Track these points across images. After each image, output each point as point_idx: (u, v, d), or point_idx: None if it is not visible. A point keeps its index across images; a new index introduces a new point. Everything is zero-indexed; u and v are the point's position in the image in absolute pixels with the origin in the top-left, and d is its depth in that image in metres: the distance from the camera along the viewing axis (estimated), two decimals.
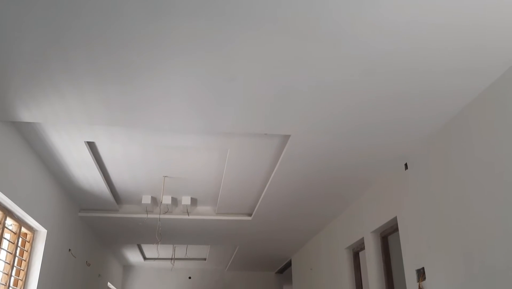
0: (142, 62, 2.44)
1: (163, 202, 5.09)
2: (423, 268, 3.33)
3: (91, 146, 3.84)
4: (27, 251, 4.16)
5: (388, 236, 4.29)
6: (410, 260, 3.55)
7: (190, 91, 2.75)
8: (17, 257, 3.96)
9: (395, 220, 3.90)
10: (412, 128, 3.22)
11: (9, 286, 3.78)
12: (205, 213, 5.56)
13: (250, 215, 5.56)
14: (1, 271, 3.69)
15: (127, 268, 9.27)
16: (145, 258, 8.73)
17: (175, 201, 5.27)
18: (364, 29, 2.19)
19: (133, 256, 8.41)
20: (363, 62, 2.46)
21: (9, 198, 3.46)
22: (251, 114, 3.03)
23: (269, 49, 2.34)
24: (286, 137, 3.48)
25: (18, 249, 3.98)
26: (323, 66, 2.49)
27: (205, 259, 8.86)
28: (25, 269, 4.10)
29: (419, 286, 3.31)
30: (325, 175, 4.12)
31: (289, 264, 8.31)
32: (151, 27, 2.15)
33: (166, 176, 4.58)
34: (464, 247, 2.84)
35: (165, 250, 7.94)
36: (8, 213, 3.67)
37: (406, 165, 3.68)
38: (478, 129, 2.77)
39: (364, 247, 4.64)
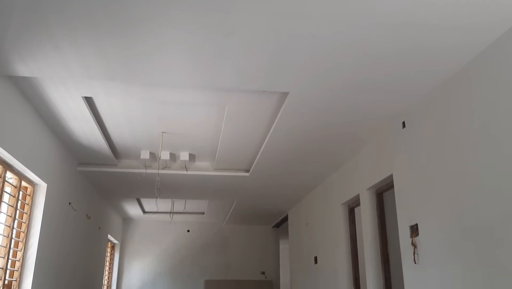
0: (139, 15, 2.38)
1: (161, 158, 5.12)
2: (416, 224, 3.41)
3: (89, 101, 3.81)
4: (28, 204, 4.22)
5: (383, 193, 4.37)
6: (404, 216, 3.63)
7: (188, 46, 2.70)
8: (19, 210, 4.03)
9: (391, 177, 3.95)
10: (411, 86, 3.20)
11: (11, 238, 3.88)
12: (203, 168, 5.61)
13: (247, 171, 5.62)
14: (3, 224, 3.76)
15: (127, 221, 9.47)
16: (144, 212, 8.91)
17: (173, 157, 5.31)
18: None
19: (132, 209, 8.57)
20: (363, 19, 2.41)
21: (8, 152, 3.47)
22: (250, 71, 3.00)
23: (269, 3, 2.28)
24: (285, 94, 3.46)
25: (19, 202, 4.04)
26: (323, 21, 2.45)
27: (203, 213, 9.05)
28: (27, 222, 4.19)
29: (412, 242, 3.41)
30: (323, 132, 4.14)
31: (285, 219, 8.50)
32: None
33: (165, 132, 4.59)
34: (458, 204, 2.90)
35: (164, 204, 8.09)
36: (8, 167, 3.70)
37: (403, 123, 3.69)
38: (477, 88, 2.76)
39: (359, 203, 4.73)
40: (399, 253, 3.70)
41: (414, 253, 3.37)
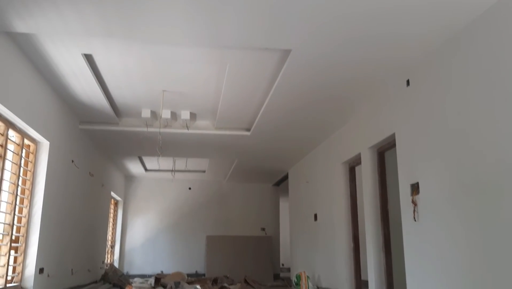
0: None
1: (162, 116, 5.11)
2: (417, 183, 3.45)
3: (89, 58, 3.75)
4: (31, 162, 4.25)
5: (384, 152, 4.39)
6: (405, 174, 3.66)
7: (188, 1, 2.62)
8: (22, 167, 4.06)
9: (393, 136, 3.95)
10: (415, 43, 3.15)
11: (16, 194, 3.93)
12: (204, 127, 5.61)
13: (248, 130, 5.62)
14: (8, 181, 3.80)
15: (129, 178, 9.58)
16: (146, 170, 8.99)
17: (174, 115, 5.29)
18: None
19: (134, 167, 8.64)
20: None
21: (10, 110, 3.46)
22: (251, 28, 2.94)
23: None
24: (287, 51, 3.40)
25: (23, 160, 4.07)
26: None
27: (204, 171, 9.13)
28: (31, 179, 4.23)
29: (412, 200, 3.46)
30: (325, 90, 4.10)
31: (285, 177, 8.59)
32: None
33: (165, 90, 4.55)
34: (458, 162, 2.92)
35: (165, 162, 8.14)
36: (10, 125, 3.69)
37: (408, 81, 3.65)
38: (482, 46, 2.70)
39: (360, 162, 4.76)
40: (398, 211, 3.77)
41: (414, 211, 3.43)
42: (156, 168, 8.68)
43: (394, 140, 3.93)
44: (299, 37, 3.09)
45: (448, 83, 3.08)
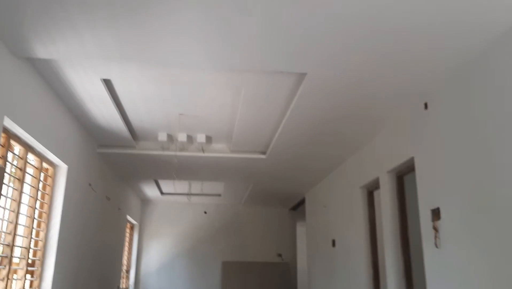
0: None
1: (178, 140, 5.13)
2: (438, 208, 3.35)
3: (107, 83, 3.81)
4: (49, 186, 4.29)
5: (403, 176, 4.30)
6: (425, 199, 3.57)
7: (203, 24, 2.66)
8: (40, 191, 4.09)
9: (412, 160, 3.88)
10: (433, 65, 3.10)
11: (34, 218, 3.95)
12: (219, 150, 5.61)
13: (264, 153, 5.60)
14: (26, 204, 3.83)
15: (145, 202, 9.59)
16: (162, 193, 8.99)
17: (190, 139, 5.31)
18: None
19: (150, 190, 8.66)
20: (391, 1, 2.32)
21: (30, 134, 3.51)
22: (266, 51, 2.94)
23: None
24: (302, 75, 3.40)
25: (41, 183, 4.10)
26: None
27: (220, 195, 9.09)
28: (48, 203, 4.26)
29: (433, 226, 3.36)
30: (342, 112, 4.06)
31: (302, 202, 8.49)
32: None
33: (182, 114, 4.58)
34: (481, 188, 2.83)
35: (181, 185, 8.14)
36: (29, 148, 3.74)
37: (426, 104, 3.60)
38: (504, 69, 2.65)
39: (379, 186, 4.67)
40: (419, 236, 3.66)
41: (435, 237, 3.32)
42: (172, 191, 8.68)
43: (413, 164, 3.85)
44: (314, 60, 3.08)
45: (467, 106, 3.02)
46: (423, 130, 3.65)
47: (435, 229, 3.33)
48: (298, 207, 9.40)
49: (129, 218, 8.33)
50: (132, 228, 9.24)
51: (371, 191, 5.15)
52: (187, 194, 8.67)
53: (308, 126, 4.45)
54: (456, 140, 3.16)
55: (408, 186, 4.26)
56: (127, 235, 8.63)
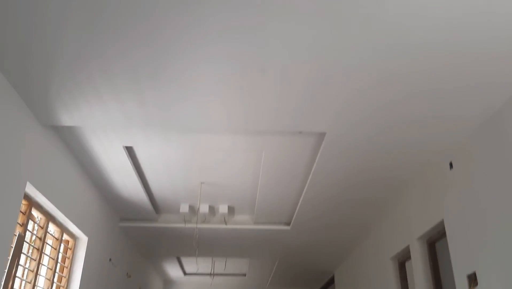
0: (173, 52, 2.43)
1: (200, 210, 5.07)
2: (474, 273, 3.10)
3: (129, 151, 3.89)
4: (68, 258, 4.22)
5: (435, 243, 4.05)
6: (460, 265, 3.32)
7: (222, 86, 2.74)
8: (59, 263, 4.02)
9: (442, 223, 3.67)
10: (455, 122, 3.06)
11: None
12: (243, 222, 5.49)
13: (288, 224, 5.44)
14: (44, 277, 3.75)
15: (168, 282, 9.29)
16: (185, 273, 8.72)
17: (212, 210, 5.24)
18: (412, 19, 2.12)
19: (173, 270, 8.42)
20: (404, 50, 2.37)
21: (51, 203, 3.53)
22: (285, 110, 2.97)
23: (303, 35, 2.28)
24: (322, 136, 3.39)
25: (60, 255, 4.05)
26: (362, 54, 2.41)
27: (245, 275, 8.74)
28: (67, 276, 4.16)
29: None
30: (364, 176, 3.97)
31: (332, 281, 8.04)
32: (182, 17, 2.17)
33: (203, 182, 4.57)
34: None
35: (204, 265, 7.90)
36: (51, 218, 3.75)
37: (451, 164, 3.49)
38: None
39: (410, 256, 4.40)
40: None
41: None
42: (195, 270, 8.42)
43: (444, 228, 3.64)
44: (334, 120, 3.08)
45: (495, 163, 2.90)
46: (450, 190, 3.49)
47: None
48: (327, 288, 8.88)
49: None
50: None
51: (402, 262, 4.85)
52: (211, 274, 8.37)
53: (331, 193, 4.35)
54: (485, 199, 2.99)
55: (441, 253, 3.99)
56: None
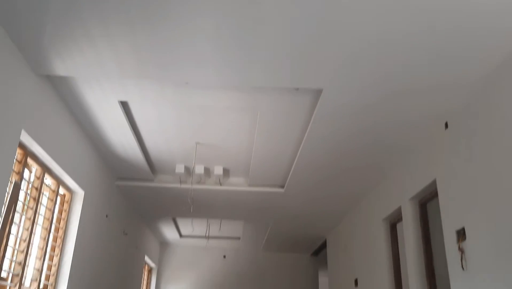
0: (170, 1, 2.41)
1: (196, 171, 5.11)
2: (463, 228, 3.16)
3: (124, 106, 3.88)
4: (65, 211, 4.28)
5: (427, 203, 4.12)
6: (449, 221, 3.39)
7: (219, 38, 2.71)
8: (56, 214, 4.08)
9: (434, 183, 3.72)
10: (453, 83, 3.05)
11: (48, 240, 3.91)
12: (237, 184, 5.55)
13: (282, 186, 5.50)
14: (40, 225, 3.81)
15: (164, 244, 9.45)
16: (181, 235, 8.87)
17: (207, 171, 5.28)
18: None
19: (169, 232, 8.56)
20: (403, 6, 2.34)
21: (48, 154, 3.54)
22: (282, 65, 2.95)
23: None
24: (318, 93, 3.38)
25: (57, 206, 4.10)
26: (362, 11, 2.38)
27: (239, 238, 8.89)
28: (63, 228, 4.23)
29: (459, 247, 3.15)
30: (359, 137, 3.97)
31: (324, 245, 8.19)
32: None
33: (199, 142, 4.59)
34: (508, 204, 2.67)
35: (200, 226, 8.02)
36: (47, 170, 3.78)
37: (446, 124, 3.50)
38: None
39: (401, 217, 4.47)
40: (445, 265, 3.43)
41: (461, 258, 3.11)
42: (191, 232, 8.55)
43: (436, 189, 3.70)
44: (332, 77, 3.06)
45: (490, 123, 2.91)
46: (444, 150, 3.53)
47: (461, 250, 3.12)
48: (319, 252, 9.07)
49: (147, 259, 8.18)
50: (150, 271, 9.05)
51: (394, 223, 4.93)
52: (206, 237, 8.51)
53: (325, 154, 4.36)
54: (478, 158, 3.03)
55: (432, 214, 4.07)
56: (145, 278, 8.43)
